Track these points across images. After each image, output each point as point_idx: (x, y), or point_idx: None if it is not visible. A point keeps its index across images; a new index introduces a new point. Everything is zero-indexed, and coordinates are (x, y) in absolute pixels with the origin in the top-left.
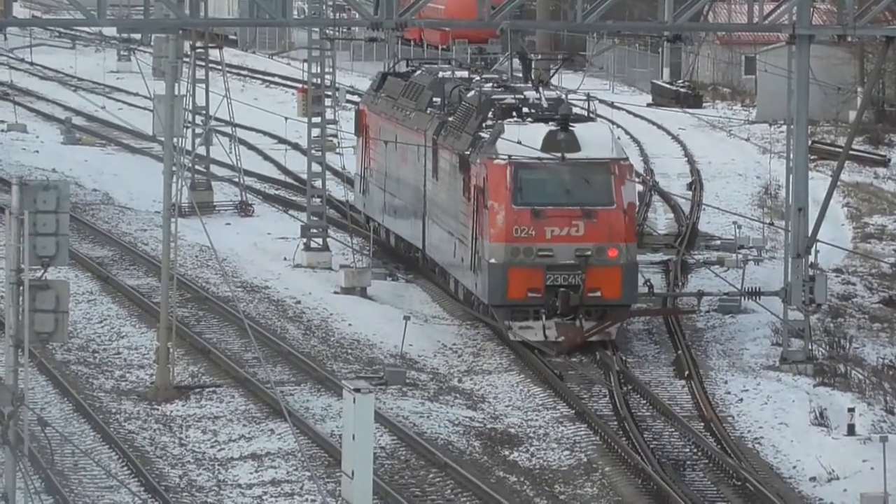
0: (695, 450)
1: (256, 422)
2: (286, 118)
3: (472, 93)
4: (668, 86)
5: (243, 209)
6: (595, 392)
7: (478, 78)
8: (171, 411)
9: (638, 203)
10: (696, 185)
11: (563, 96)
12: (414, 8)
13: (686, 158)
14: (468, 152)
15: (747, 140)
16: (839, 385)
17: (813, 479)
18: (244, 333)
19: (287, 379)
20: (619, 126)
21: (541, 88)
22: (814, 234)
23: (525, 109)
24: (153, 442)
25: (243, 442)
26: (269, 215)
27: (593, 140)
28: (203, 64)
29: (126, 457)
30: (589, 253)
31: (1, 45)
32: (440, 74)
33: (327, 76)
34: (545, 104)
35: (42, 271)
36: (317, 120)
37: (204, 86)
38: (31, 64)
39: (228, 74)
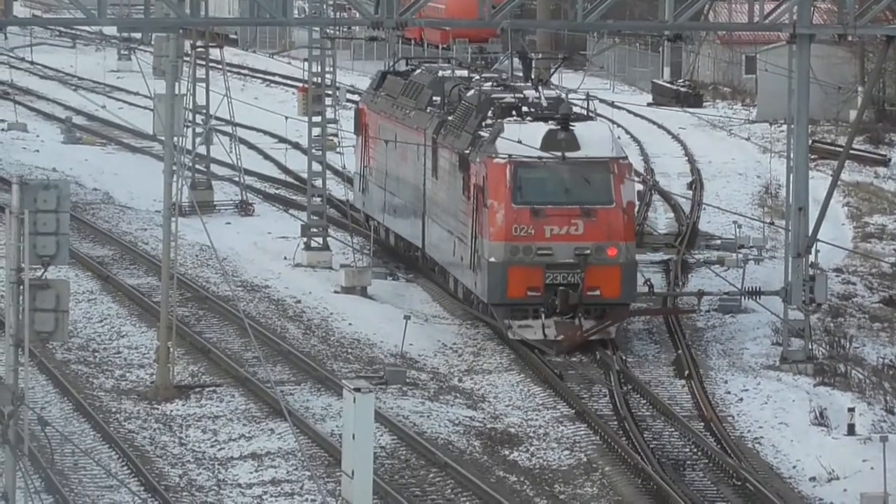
0: (695, 449)
1: (256, 421)
2: (286, 117)
3: (471, 92)
4: (668, 85)
5: (243, 208)
6: (595, 392)
7: (477, 77)
8: (171, 411)
9: (637, 202)
10: (696, 184)
11: (563, 96)
12: (414, 7)
13: (686, 158)
14: (468, 151)
15: (748, 139)
16: (839, 385)
17: (813, 478)
18: (244, 333)
19: (287, 378)
20: (619, 125)
21: (540, 87)
22: (814, 234)
23: (525, 108)
24: (153, 441)
25: (243, 441)
26: (269, 214)
27: (593, 139)
28: (203, 63)
29: (126, 456)
30: (588, 252)
31: (1, 44)
32: (440, 73)
33: (328, 75)
34: (545, 103)
35: (42, 270)
36: (317, 119)
37: (204, 85)
38: (32, 63)
39: (229, 74)
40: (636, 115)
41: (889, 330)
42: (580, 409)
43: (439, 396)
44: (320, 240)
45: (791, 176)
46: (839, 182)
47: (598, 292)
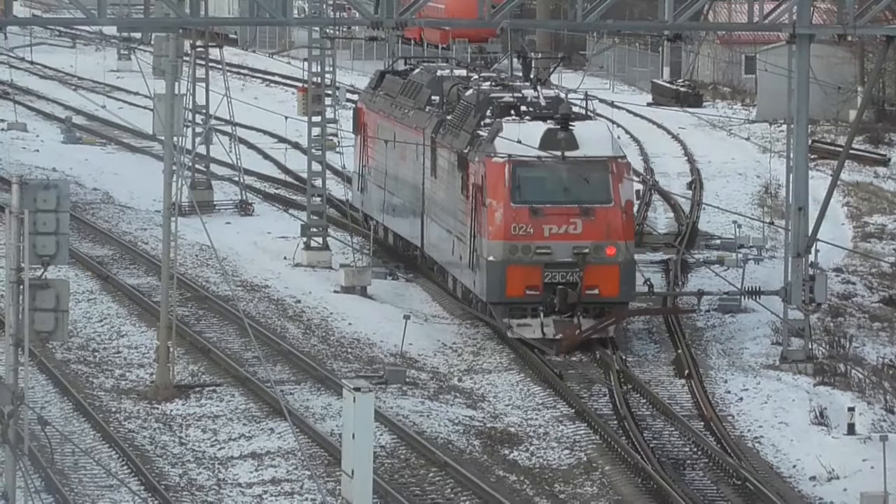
0: (695, 449)
1: (256, 421)
2: (286, 117)
3: (470, 91)
4: (668, 85)
5: (243, 208)
6: (595, 391)
7: (476, 76)
8: (171, 410)
9: (636, 201)
10: (696, 184)
11: (563, 95)
12: (414, 7)
13: (686, 158)
14: (466, 150)
15: (747, 139)
16: (839, 384)
17: (813, 478)
18: (244, 332)
19: (287, 378)
20: (619, 125)
21: (539, 87)
22: (814, 234)
23: (523, 108)
24: (153, 441)
25: (243, 441)
26: (269, 214)
27: (591, 138)
28: (203, 63)
29: (126, 456)
30: (587, 251)
31: (1, 43)
32: (438, 73)
33: (327, 75)
34: (543, 103)
35: (42, 270)
36: (317, 119)
37: (204, 85)
38: (32, 63)
39: (228, 73)
40: (636, 114)
41: (889, 329)
42: (580, 409)
43: (439, 396)
44: (320, 239)
45: (791, 176)
46: (839, 182)
47: (596, 291)
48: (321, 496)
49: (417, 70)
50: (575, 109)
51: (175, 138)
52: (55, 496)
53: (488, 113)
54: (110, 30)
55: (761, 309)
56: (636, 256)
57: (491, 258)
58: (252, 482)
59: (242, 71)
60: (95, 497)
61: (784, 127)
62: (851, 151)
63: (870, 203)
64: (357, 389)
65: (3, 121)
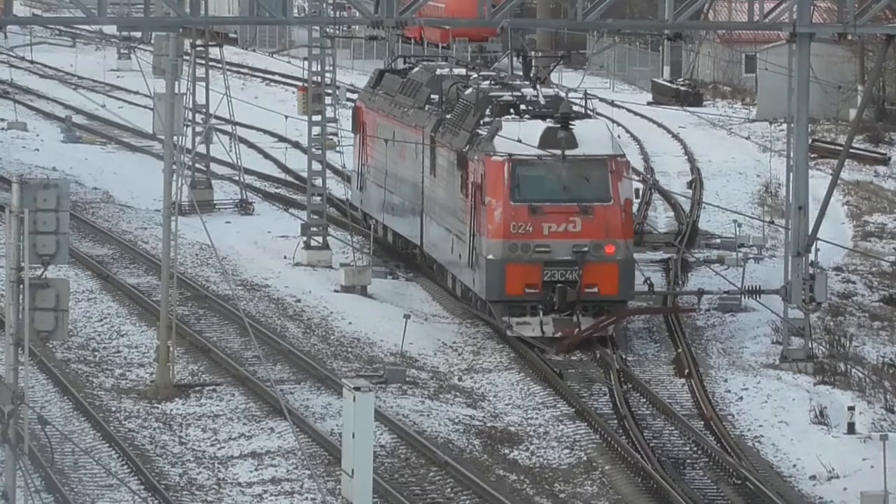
0: (695, 448)
1: (256, 420)
2: (286, 116)
3: (469, 90)
4: (668, 84)
5: (243, 207)
6: (595, 390)
7: (475, 75)
8: (171, 410)
9: (635, 199)
10: (696, 183)
11: (563, 94)
12: (414, 6)
13: (686, 157)
14: (466, 149)
15: (747, 138)
16: (839, 383)
17: (813, 477)
18: (244, 332)
19: (287, 377)
20: (619, 124)
21: (538, 85)
22: (814, 233)
23: (523, 106)
24: (153, 440)
25: (243, 440)
26: (269, 214)
27: (590, 137)
28: (203, 62)
29: (126, 455)
30: (586, 249)
31: (1, 43)
32: (437, 72)
33: (327, 74)
34: (542, 101)
35: (42, 269)
36: (317, 118)
37: (204, 84)
38: (32, 62)
39: (228, 73)
40: (636, 114)
41: (889, 329)
42: (580, 408)
43: (439, 395)
44: (320, 239)
45: (791, 175)
46: (839, 181)
47: (595, 289)
48: (321, 496)
49: (417, 69)
50: (575, 108)
51: (175, 137)
52: (55, 495)
53: (488, 112)
54: (110, 29)
55: (761, 308)
56: (636, 255)
57: (490, 256)
58: (252, 482)
59: (242, 70)
60: (95, 496)
61: (784, 126)
62: (851, 150)
63: (870, 202)
64: (357, 389)
65: (3, 120)
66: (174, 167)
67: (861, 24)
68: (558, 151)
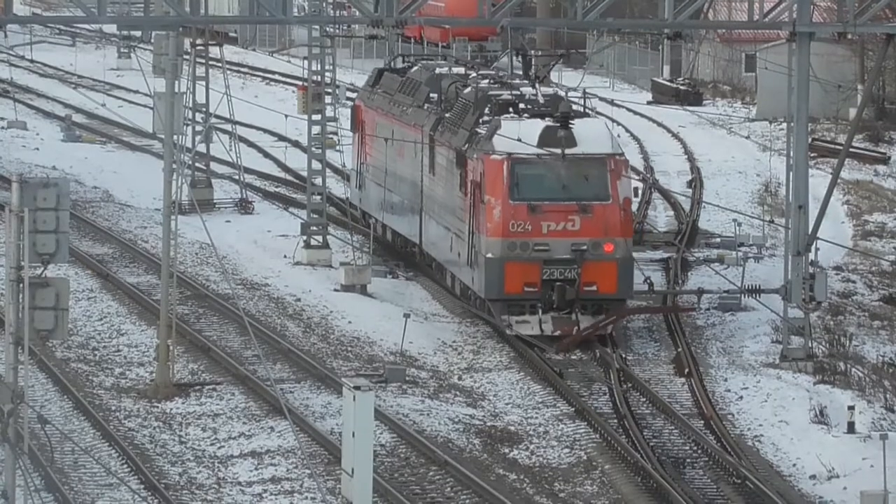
0: (695, 448)
1: (256, 419)
2: (286, 116)
3: (468, 89)
4: (668, 83)
5: (243, 207)
6: (595, 390)
7: (474, 74)
8: (171, 409)
9: (634, 198)
10: (696, 182)
11: (563, 93)
12: (414, 5)
13: (686, 156)
14: (465, 148)
15: (747, 138)
16: (839, 383)
17: (813, 476)
18: (244, 331)
19: (287, 376)
20: (619, 124)
21: (537, 84)
22: (814, 232)
23: (522, 105)
24: (153, 439)
25: (243, 439)
26: (269, 213)
27: (590, 135)
28: (203, 61)
29: (126, 454)
30: (585, 247)
31: (1, 42)
32: (437, 71)
33: (327, 74)
34: (541, 100)
35: (42, 269)
36: (317, 117)
37: (204, 83)
38: (32, 61)
39: (228, 72)
40: (636, 113)
41: (889, 328)
42: (580, 407)
43: (439, 394)
44: (320, 238)
45: (791, 174)
46: (839, 180)
47: (594, 288)
48: (321, 495)
49: (416, 68)
50: (574, 107)
51: (175, 137)
52: (55, 495)
53: (487, 110)
54: (110, 28)
55: (761, 307)
56: (636, 255)
57: (489, 255)
58: (252, 481)
59: (242, 69)
60: (95, 496)
61: (784, 125)
62: (851, 149)
63: (870, 201)
64: (357, 388)
65: (3, 119)
66: (174, 166)
67: (861, 23)
68: (557, 150)
